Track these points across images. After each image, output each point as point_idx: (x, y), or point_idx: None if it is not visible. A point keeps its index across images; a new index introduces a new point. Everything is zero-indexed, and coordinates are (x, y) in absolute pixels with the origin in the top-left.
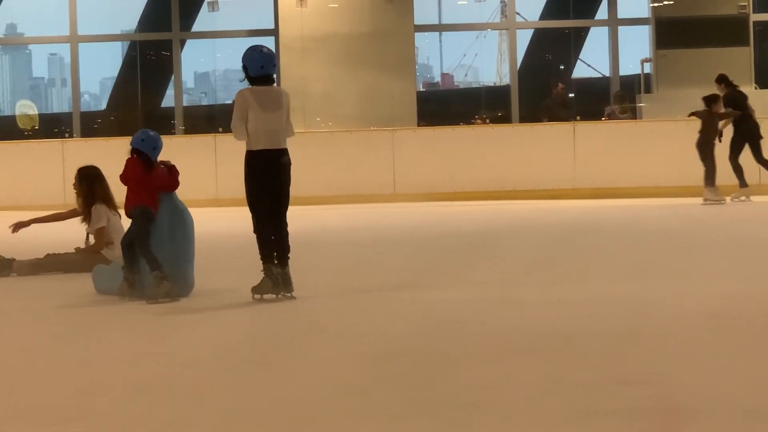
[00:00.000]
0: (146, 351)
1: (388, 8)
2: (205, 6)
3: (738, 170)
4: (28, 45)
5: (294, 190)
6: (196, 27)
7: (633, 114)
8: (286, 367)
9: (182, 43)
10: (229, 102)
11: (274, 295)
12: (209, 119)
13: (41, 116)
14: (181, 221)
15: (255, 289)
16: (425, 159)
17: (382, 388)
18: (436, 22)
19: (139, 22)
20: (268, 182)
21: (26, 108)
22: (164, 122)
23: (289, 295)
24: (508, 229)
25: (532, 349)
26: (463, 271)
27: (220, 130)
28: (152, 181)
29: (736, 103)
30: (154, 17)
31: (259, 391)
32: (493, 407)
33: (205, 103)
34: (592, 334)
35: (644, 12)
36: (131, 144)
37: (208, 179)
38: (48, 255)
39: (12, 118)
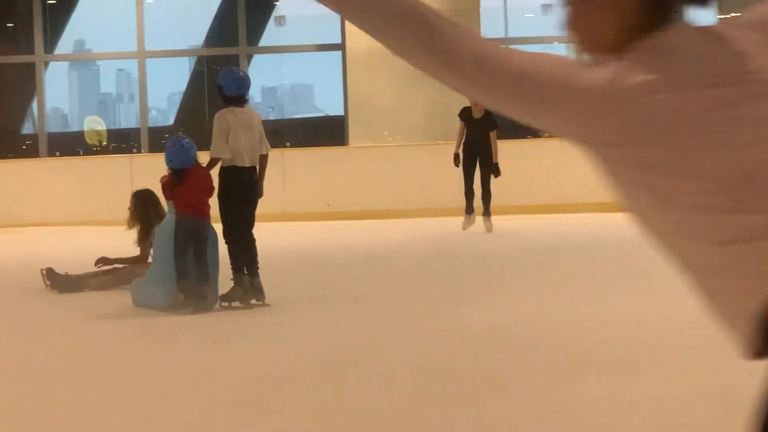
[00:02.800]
0: (213, 364)
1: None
2: (272, 21)
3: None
4: (96, 61)
5: (362, 204)
6: (263, 42)
7: None
8: (348, 379)
9: (249, 57)
10: (297, 117)
11: (242, 304)
12: (276, 133)
13: (109, 132)
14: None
15: (224, 298)
16: None
17: (445, 402)
18: (503, 36)
19: (206, 38)
20: (245, 196)
21: (94, 124)
22: None
23: (260, 303)
24: (574, 243)
25: (597, 364)
26: (526, 285)
27: (288, 144)
28: (185, 191)
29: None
30: (221, 32)
31: (325, 400)
32: (560, 422)
33: (272, 117)
34: (658, 348)
35: None
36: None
37: (275, 194)
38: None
39: (80, 134)
